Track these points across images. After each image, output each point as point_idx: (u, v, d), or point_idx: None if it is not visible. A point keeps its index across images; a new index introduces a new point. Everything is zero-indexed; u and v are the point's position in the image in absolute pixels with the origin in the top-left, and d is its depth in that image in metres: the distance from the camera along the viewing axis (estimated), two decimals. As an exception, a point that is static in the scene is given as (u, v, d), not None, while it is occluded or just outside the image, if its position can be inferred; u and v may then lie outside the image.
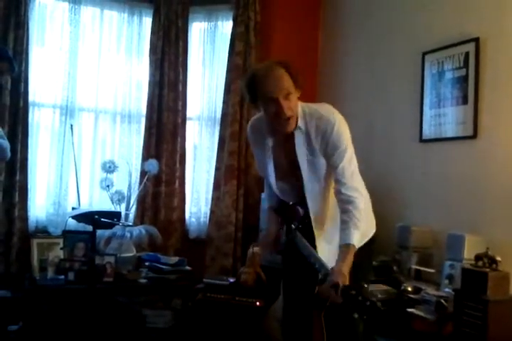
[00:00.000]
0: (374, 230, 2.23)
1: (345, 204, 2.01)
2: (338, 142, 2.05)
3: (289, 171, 2.18)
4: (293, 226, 2.25)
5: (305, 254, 2.08)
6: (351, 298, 1.67)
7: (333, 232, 2.11)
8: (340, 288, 1.72)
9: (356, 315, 1.65)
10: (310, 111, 2.10)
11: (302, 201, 2.20)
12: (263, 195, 4.00)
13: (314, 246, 2.11)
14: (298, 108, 2.07)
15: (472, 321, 2.44)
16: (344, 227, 1.97)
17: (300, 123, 2.08)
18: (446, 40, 3.23)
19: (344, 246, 1.93)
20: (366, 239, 2.13)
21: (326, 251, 2.07)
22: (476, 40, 3.01)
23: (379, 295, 2.94)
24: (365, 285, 1.77)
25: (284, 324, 2.42)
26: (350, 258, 1.89)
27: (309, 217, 2.17)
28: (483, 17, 3.03)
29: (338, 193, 2.05)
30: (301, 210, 2.23)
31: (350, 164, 2.06)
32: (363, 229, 1.99)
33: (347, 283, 1.77)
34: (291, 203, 2.29)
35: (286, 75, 2.00)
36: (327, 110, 2.12)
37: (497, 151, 2.88)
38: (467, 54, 3.07)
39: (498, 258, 2.49)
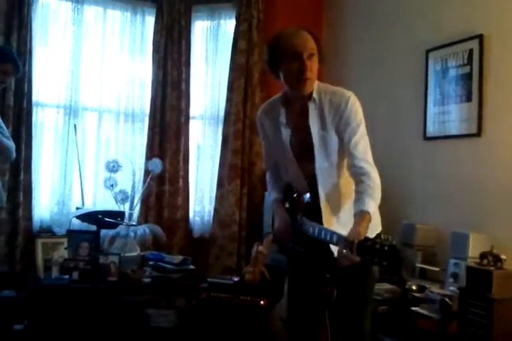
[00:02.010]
0: (380, 229, 2.20)
1: (358, 176, 1.97)
2: (351, 117, 2.04)
3: (301, 152, 2.14)
4: (298, 216, 2.22)
5: (316, 233, 2.00)
6: (368, 249, 1.62)
7: (348, 219, 2.09)
8: (356, 245, 1.66)
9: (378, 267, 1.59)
10: (325, 87, 2.12)
11: (311, 187, 2.15)
12: (267, 194, 4.00)
13: None
14: (316, 75, 2.07)
15: (477, 320, 2.43)
16: (358, 197, 1.92)
17: (315, 95, 2.07)
18: (449, 37, 3.22)
19: (358, 213, 1.87)
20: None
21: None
22: (480, 36, 3.00)
23: (386, 294, 2.94)
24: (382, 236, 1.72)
25: (289, 323, 2.41)
26: (365, 224, 1.82)
27: (318, 205, 2.12)
28: (487, 14, 3.01)
29: (351, 167, 2.02)
30: (307, 197, 2.18)
31: (363, 139, 2.04)
32: (378, 201, 1.93)
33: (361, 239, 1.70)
34: (295, 195, 2.26)
35: (312, 39, 2.04)
36: (342, 89, 2.14)
37: (501, 149, 2.86)
38: (471, 51, 3.06)
39: (503, 257, 2.48)
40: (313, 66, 2.03)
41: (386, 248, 1.59)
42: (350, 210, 1.97)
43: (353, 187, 2.03)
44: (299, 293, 2.32)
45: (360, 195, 1.92)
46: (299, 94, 2.09)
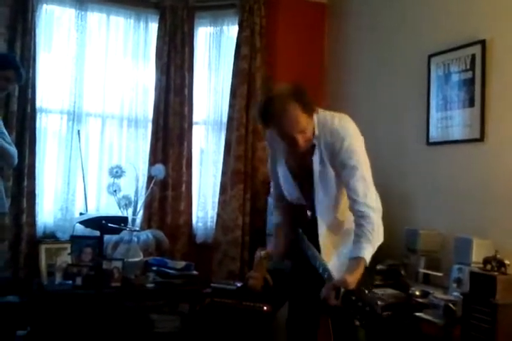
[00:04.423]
0: (382, 240, 2.22)
1: (358, 218, 2.00)
2: (347, 159, 2.02)
3: (301, 177, 2.19)
4: (300, 230, 2.25)
5: (309, 257, 2.07)
6: (351, 303, 1.67)
7: (342, 245, 2.12)
8: (342, 293, 1.71)
9: (357, 322, 1.64)
10: (324, 122, 2.08)
11: (311, 206, 2.20)
12: (269, 199, 4.01)
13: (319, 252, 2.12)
14: (311, 131, 2.05)
15: (481, 325, 2.42)
16: (356, 240, 1.96)
17: (317, 132, 2.06)
18: (452, 42, 3.22)
19: (353, 259, 1.92)
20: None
21: (333, 263, 2.06)
22: (483, 42, 3.00)
23: (389, 299, 2.93)
24: (367, 291, 1.76)
25: (289, 328, 2.41)
26: (358, 271, 1.87)
27: (316, 222, 2.17)
28: (490, 19, 3.02)
29: (352, 209, 2.05)
30: (309, 213, 2.22)
31: (363, 180, 2.02)
32: (376, 244, 1.97)
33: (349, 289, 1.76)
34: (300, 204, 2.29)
35: (301, 112, 1.96)
36: (341, 123, 2.08)
37: (504, 154, 2.86)
38: (473, 56, 3.06)
39: (507, 262, 2.47)
40: (306, 135, 2.01)
41: (367, 308, 1.64)
42: (346, 236, 2.07)
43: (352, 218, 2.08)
44: (300, 298, 2.32)
45: (358, 239, 1.96)
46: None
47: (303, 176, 2.18)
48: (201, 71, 4.47)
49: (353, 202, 2.02)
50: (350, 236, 2.03)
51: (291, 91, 1.98)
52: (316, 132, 2.06)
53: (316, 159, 2.09)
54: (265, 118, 2.02)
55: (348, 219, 2.14)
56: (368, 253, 1.91)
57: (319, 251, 2.12)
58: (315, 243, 2.16)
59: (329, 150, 2.06)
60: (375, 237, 1.96)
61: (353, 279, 1.82)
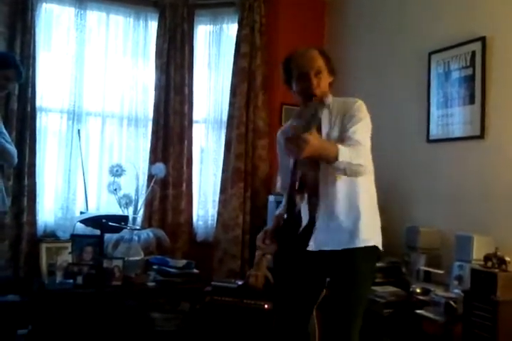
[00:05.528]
0: (378, 241, 2.21)
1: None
2: (355, 113, 2.15)
3: (309, 163, 2.17)
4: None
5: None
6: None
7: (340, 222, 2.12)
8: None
9: None
10: (337, 98, 2.22)
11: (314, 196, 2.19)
12: (270, 198, 4.01)
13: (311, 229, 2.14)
14: (327, 89, 2.19)
15: (482, 322, 2.41)
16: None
17: (329, 102, 2.17)
18: (452, 39, 3.22)
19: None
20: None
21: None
22: (483, 39, 3.00)
23: (390, 297, 2.94)
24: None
25: (278, 326, 2.40)
26: (323, 144, 1.96)
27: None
28: (490, 16, 3.01)
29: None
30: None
31: (363, 130, 2.12)
32: (352, 159, 2.00)
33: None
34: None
35: (320, 58, 2.18)
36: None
37: (505, 151, 2.86)
38: (473, 53, 3.06)
39: (508, 259, 2.47)
40: (321, 82, 2.15)
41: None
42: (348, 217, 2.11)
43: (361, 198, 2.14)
44: (290, 297, 2.31)
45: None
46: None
47: (312, 163, 2.17)
48: (201, 69, 4.46)
49: (348, 140, 2.07)
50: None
51: (315, 48, 2.23)
52: (330, 99, 2.17)
53: (324, 123, 2.15)
54: (287, 61, 2.22)
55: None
56: (340, 148, 1.96)
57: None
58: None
59: (342, 111, 2.16)
60: (356, 156, 2.01)
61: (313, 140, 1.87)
